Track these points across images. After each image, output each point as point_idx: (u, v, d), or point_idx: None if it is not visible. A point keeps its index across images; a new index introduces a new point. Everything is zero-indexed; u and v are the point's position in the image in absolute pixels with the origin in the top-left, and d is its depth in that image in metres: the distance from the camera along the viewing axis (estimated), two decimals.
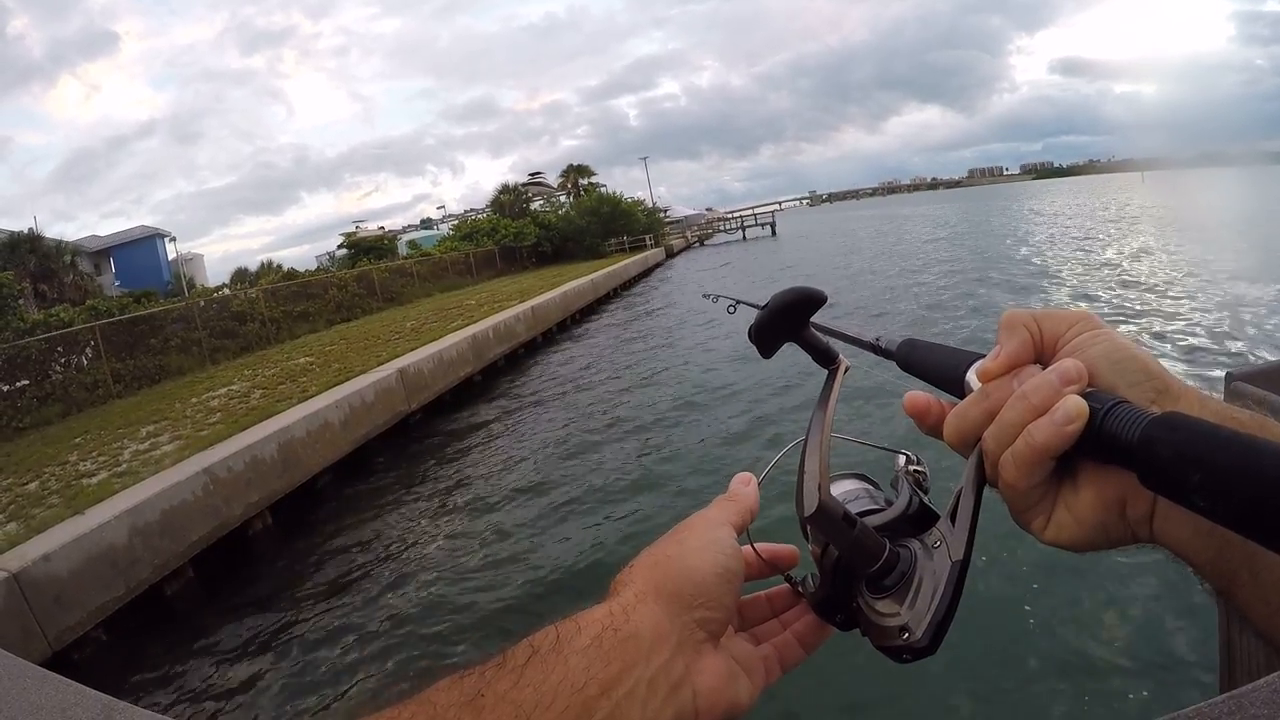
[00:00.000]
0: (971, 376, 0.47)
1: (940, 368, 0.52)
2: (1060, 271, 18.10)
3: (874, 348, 0.60)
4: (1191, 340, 9.72)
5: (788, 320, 0.61)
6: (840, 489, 0.55)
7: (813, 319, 0.61)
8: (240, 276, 33.63)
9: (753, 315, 0.62)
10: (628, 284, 31.08)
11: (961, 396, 0.48)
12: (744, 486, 0.54)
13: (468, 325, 15.24)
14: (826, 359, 0.61)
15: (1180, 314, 11.33)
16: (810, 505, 0.48)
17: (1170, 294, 13.02)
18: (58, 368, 13.85)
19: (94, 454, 8.73)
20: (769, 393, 9.57)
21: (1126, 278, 15.64)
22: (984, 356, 0.47)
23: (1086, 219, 37.04)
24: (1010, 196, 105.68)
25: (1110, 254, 20.56)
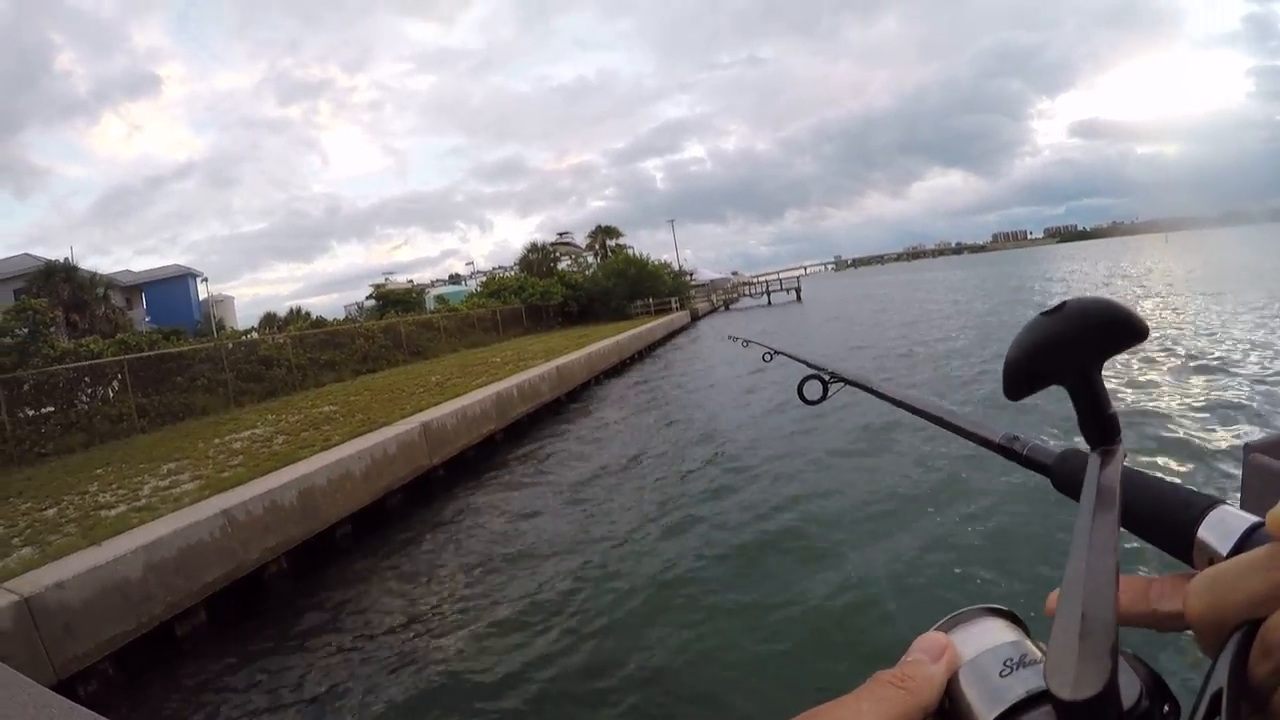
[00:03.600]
0: (1214, 529, 0.35)
1: (1154, 506, 0.39)
2: None
3: (1008, 451, 0.47)
4: (1208, 412, 9.13)
5: (1080, 349, 0.40)
6: (979, 636, 0.37)
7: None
8: (269, 321, 34.16)
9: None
10: (652, 346, 31.11)
11: (1183, 554, 0.37)
12: (929, 661, 0.36)
13: (492, 382, 15.24)
14: (1102, 431, 0.41)
15: (1197, 385, 10.75)
16: (1089, 683, 0.27)
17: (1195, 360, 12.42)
18: (84, 397, 13.97)
19: (114, 486, 8.70)
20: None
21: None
22: (1224, 503, 0.36)
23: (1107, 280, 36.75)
24: (1033, 261, 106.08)
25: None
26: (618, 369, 23.90)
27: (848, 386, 1.27)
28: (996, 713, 0.32)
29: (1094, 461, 0.40)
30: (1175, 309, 21.35)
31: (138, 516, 7.09)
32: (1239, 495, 3.87)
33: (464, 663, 5.35)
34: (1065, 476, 0.45)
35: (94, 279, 29.95)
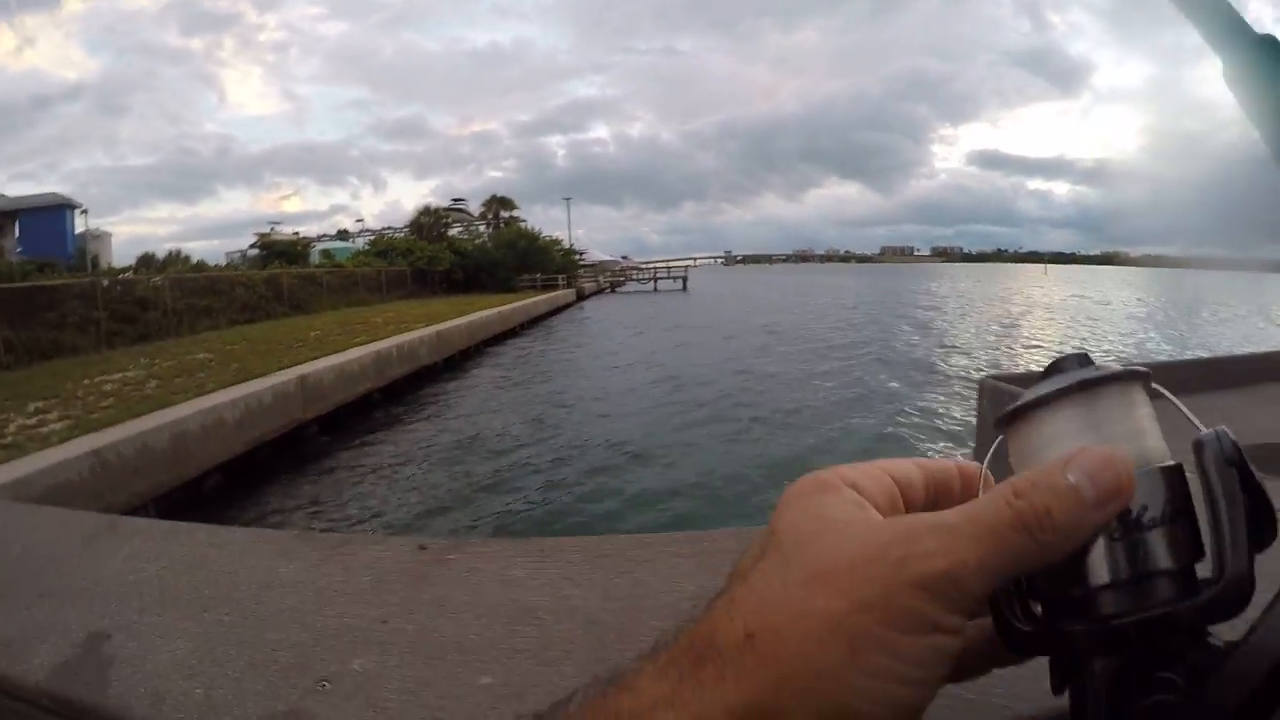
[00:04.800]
0: None
1: None
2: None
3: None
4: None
5: None
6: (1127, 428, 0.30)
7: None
8: (146, 262, 32.70)
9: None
10: (535, 320, 31.90)
11: None
12: (1088, 491, 0.27)
13: (372, 342, 15.72)
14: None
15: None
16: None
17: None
18: None
19: None
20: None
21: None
22: None
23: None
24: (917, 275, 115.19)
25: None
26: (500, 338, 24.62)
27: None
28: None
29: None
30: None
31: (3, 453, 7.14)
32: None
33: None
34: None
35: None
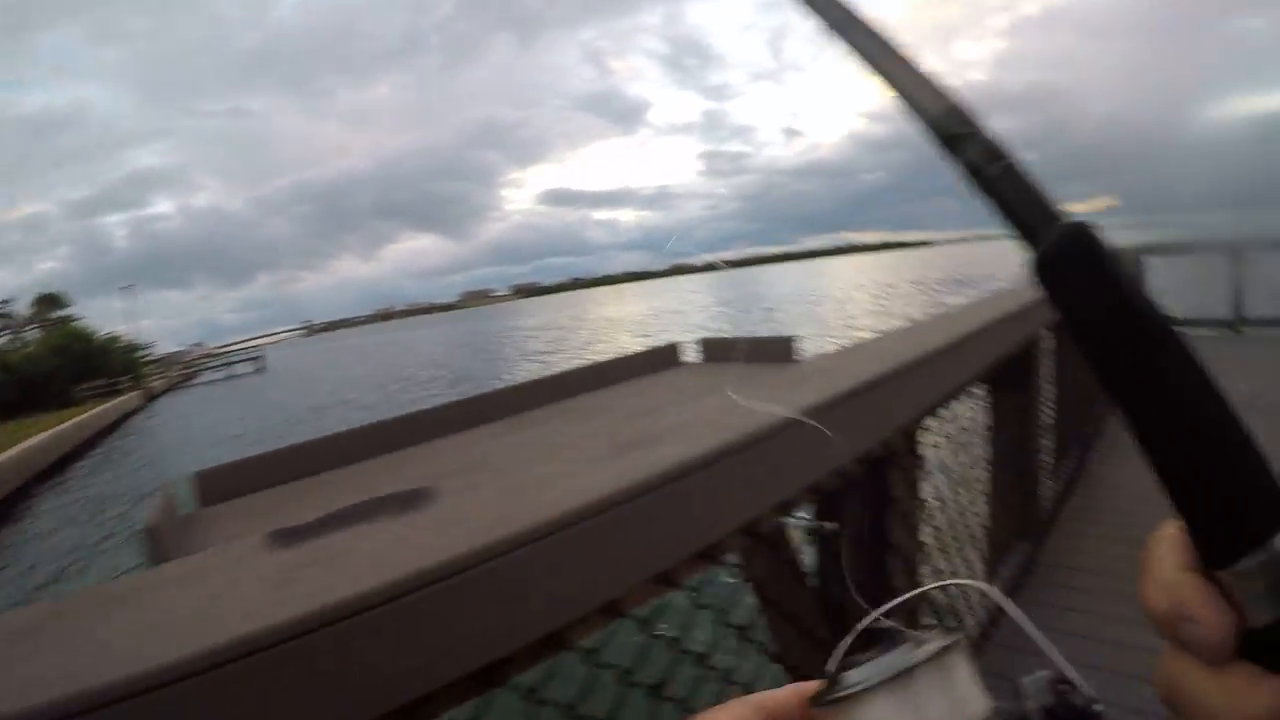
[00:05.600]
0: None
1: None
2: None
3: None
4: None
5: None
6: None
7: None
8: None
9: None
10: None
11: None
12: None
13: None
14: None
15: None
16: None
17: None
18: None
19: None
20: None
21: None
22: None
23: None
24: (498, 316, 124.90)
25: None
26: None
27: None
28: None
29: None
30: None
31: None
32: None
33: None
34: None
35: None
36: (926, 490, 1.92)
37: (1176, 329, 0.26)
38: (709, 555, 0.98)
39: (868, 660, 0.30)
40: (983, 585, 0.40)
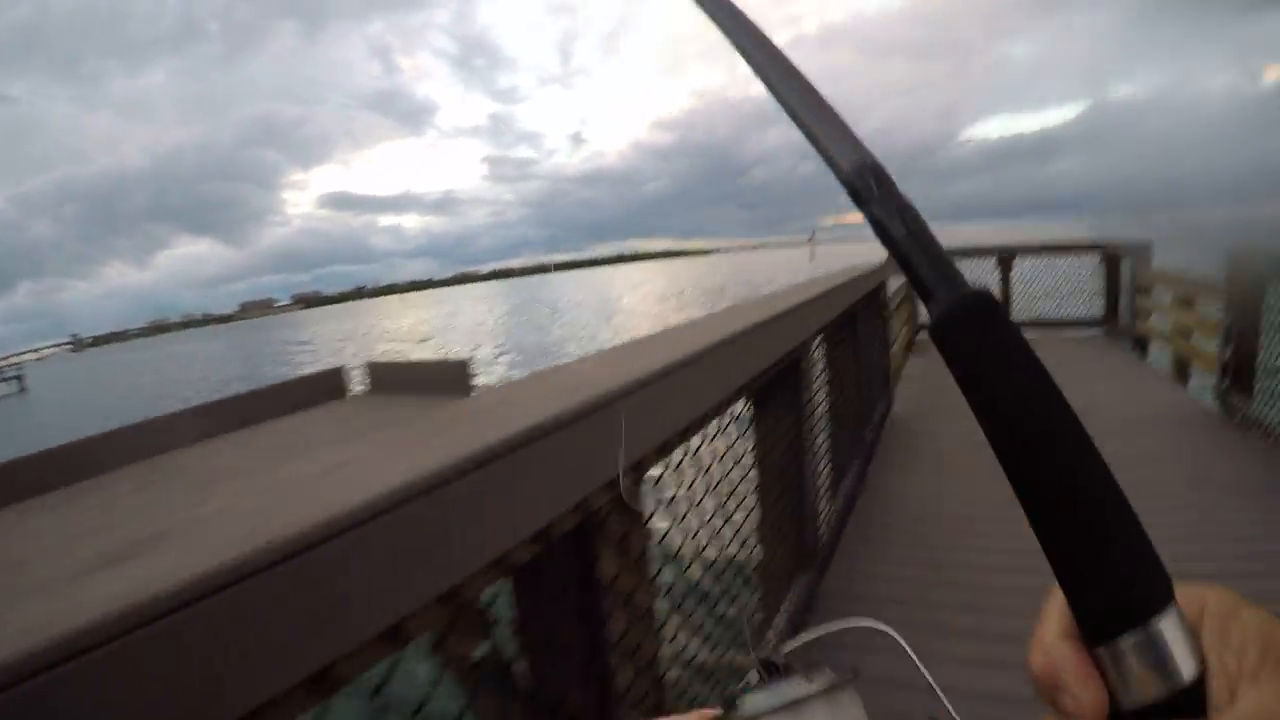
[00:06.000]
0: None
1: None
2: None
3: None
4: None
5: None
6: None
7: None
8: None
9: None
10: None
11: None
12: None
13: None
14: None
15: None
16: None
17: None
18: None
19: None
20: None
21: None
22: None
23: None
24: (280, 328, 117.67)
25: None
26: None
27: None
28: None
29: None
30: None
31: None
32: None
33: None
34: None
35: None
36: (673, 540, 1.60)
37: (1067, 404, 0.26)
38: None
39: (762, 690, 0.31)
40: (881, 625, 0.39)
